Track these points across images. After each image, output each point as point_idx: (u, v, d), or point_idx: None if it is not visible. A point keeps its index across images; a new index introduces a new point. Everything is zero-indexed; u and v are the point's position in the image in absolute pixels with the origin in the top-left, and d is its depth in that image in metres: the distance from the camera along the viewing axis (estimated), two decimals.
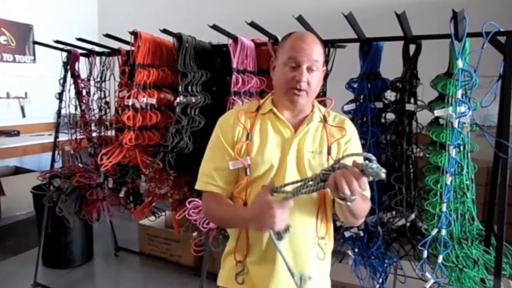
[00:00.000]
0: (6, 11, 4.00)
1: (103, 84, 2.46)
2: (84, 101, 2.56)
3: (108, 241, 3.14)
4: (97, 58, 2.45)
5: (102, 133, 2.50)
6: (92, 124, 2.56)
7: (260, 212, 0.92)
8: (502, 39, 1.43)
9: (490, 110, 1.53)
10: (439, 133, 1.52)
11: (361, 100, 1.73)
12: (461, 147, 1.50)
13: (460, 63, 1.44)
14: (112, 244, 3.12)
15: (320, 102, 1.21)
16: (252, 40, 1.96)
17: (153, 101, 1.96)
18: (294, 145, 1.07)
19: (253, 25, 1.79)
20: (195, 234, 2.13)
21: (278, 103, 1.12)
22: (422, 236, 1.58)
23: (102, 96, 2.47)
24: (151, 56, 1.98)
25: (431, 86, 1.58)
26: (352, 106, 1.75)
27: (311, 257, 1.09)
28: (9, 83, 4.06)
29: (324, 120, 1.12)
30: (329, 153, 1.08)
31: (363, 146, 1.66)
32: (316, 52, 1.04)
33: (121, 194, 2.40)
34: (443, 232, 1.51)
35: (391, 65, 1.75)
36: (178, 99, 1.91)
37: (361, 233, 1.73)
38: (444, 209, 1.50)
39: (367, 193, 1.10)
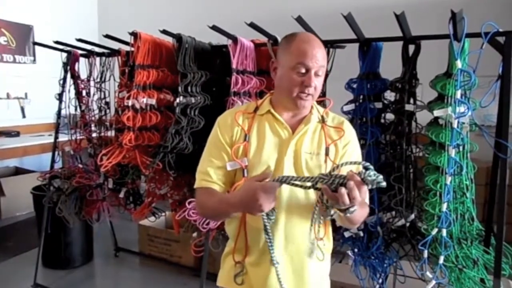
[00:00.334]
0: (6, 12, 4.01)
1: (103, 85, 2.46)
2: (84, 101, 2.56)
3: (108, 241, 3.14)
4: (97, 59, 2.46)
5: (102, 134, 2.50)
6: (92, 125, 2.56)
7: (246, 196, 0.93)
8: (501, 39, 1.43)
9: (490, 110, 1.53)
10: (439, 133, 1.52)
11: (361, 101, 1.73)
12: (461, 147, 1.50)
13: (459, 64, 1.44)
14: (112, 244, 3.12)
15: (319, 103, 1.21)
16: (252, 41, 1.96)
17: (153, 101, 1.96)
18: (291, 146, 1.07)
19: (252, 25, 1.80)
20: (195, 234, 2.13)
21: (277, 104, 1.12)
22: (421, 236, 1.58)
23: (102, 96, 2.47)
24: (151, 57, 1.98)
25: (430, 86, 1.58)
26: (351, 107, 1.75)
27: (310, 259, 1.09)
28: (9, 83, 4.07)
29: (323, 121, 1.12)
30: (327, 154, 1.07)
31: (363, 146, 1.66)
32: (323, 57, 1.05)
33: (121, 195, 2.40)
34: (443, 232, 1.51)
35: (390, 66, 1.75)
36: (177, 100, 1.91)
37: (361, 233, 1.73)
38: (443, 209, 1.50)
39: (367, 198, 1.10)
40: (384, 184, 0.86)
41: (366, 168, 0.88)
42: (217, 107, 1.91)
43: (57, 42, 2.40)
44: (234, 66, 1.87)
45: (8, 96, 4.09)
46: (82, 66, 2.56)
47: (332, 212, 0.98)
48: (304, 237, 1.07)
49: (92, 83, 2.50)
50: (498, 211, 1.48)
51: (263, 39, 1.91)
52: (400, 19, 1.48)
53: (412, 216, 1.67)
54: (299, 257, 1.08)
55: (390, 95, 1.75)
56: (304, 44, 1.04)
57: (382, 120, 1.77)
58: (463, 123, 1.49)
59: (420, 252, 1.57)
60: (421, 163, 1.67)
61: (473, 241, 1.55)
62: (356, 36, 1.68)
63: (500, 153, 1.47)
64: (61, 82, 2.47)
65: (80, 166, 2.56)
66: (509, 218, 1.70)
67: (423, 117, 1.67)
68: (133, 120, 1.94)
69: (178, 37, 1.92)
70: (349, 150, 1.11)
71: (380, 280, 1.75)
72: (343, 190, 0.86)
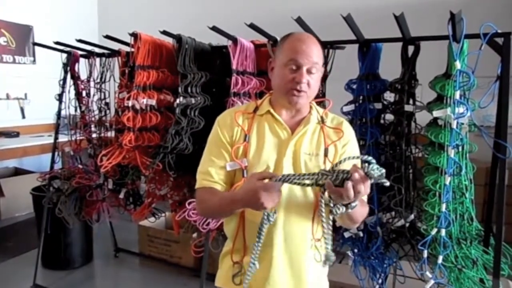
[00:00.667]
0: (6, 12, 4.01)
1: (103, 85, 2.47)
2: (84, 102, 2.56)
3: (108, 242, 3.14)
4: (97, 60, 2.46)
5: (102, 134, 2.51)
6: (92, 125, 2.56)
7: (247, 195, 0.93)
8: (500, 40, 1.44)
9: (489, 110, 1.53)
10: (438, 133, 1.52)
11: (360, 101, 1.74)
12: (460, 148, 1.51)
13: (458, 65, 1.44)
14: (112, 245, 3.12)
15: (318, 103, 1.21)
16: (252, 42, 1.97)
17: (153, 102, 1.97)
18: (290, 147, 1.07)
19: (252, 26, 1.80)
20: (195, 235, 2.14)
21: (276, 104, 1.12)
22: (421, 237, 1.58)
23: (102, 97, 2.48)
24: (151, 58, 1.99)
25: (429, 87, 1.59)
26: (351, 107, 1.76)
27: (308, 260, 1.09)
28: (9, 84, 4.06)
29: (322, 121, 1.12)
30: (326, 155, 1.08)
31: (363, 147, 1.67)
32: (316, 54, 1.04)
33: (121, 195, 2.40)
34: (443, 232, 1.51)
35: (390, 66, 1.75)
36: (178, 100, 1.92)
37: (361, 234, 1.74)
38: (443, 209, 1.51)
39: (365, 197, 1.10)
40: (386, 182, 0.85)
41: (368, 162, 0.87)
42: (217, 107, 1.92)
43: (57, 43, 2.40)
44: (234, 66, 1.87)
45: (7, 97, 4.09)
46: (82, 67, 2.56)
47: (335, 211, 0.95)
48: (303, 237, 1.07)
49: (92, 83, 2.50)
50: (497, 211, 1.49)
51: (263, 40, 1.92)
52: (400, 20, 1.48)
53: (412, 217, 1.68)
54: (297, 257, 1.08)
55: (389, 96, 1.75)
56: (296, 41, 1.04)
57: (382, 121, 1.77)
58: (462, 123, 1.50)
59: (419, 252, 1.58)
60: (421, 163, 1.68)
61: (473, 241, 1.55)
62: (356, 37, 1.68)
63: (499, 154, 1.47)
64: (61, 82, 2.47)
65: (80, 166, 2.56)
66: (508, 218, 1.70)
67: (422, 118, 1.67)
68: (133, 121, 1.94)
69: (178, 38, 1.92)
70: (348, 150, 1.11)
71: (380, 281, 1.75)
72: (349, 184, 0.85)
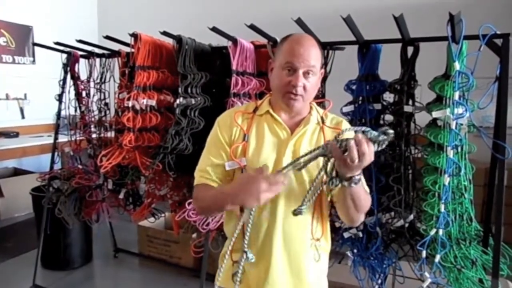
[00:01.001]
0: (5, 12, 4.01)
1: (103, 86, 2.47)
2: (83, 102, 2.56)
3: (107, 242, 3.14)
4: (97, 60, 2.46)
5: (102, 135, 2.51)
6: (92, 126, 2.56)
7: (246, 184, 0.92)
8: (499, 41, 1.45)
9: (488, 111, 1.54)
10: (437, 134, 1.53)
11: (360, 102, 1.74)
12: (459, 148, 1.51)
13: (457, 65, 1.45)
14: (112, 245, 3.12)
15: (318, 104, 1.21)
16: (252, 42, 1.97)
17: (153, 102, 1.97)
18: (290, 147, 1.07)
19: (252, 27, 1.81)
20: (194, 235, 2.14)
21: (275, 105, 1.12)
22: (420, 237, 1.59)
23: (102, 97, 2.48)
24: (151, 58, 1.99)
25: (429, 87, 1.59)
26: (350, 108, 1.76)
27: (307, 259, 1.09)
28: (9, 84, 4.06)
29: (322, 122, 1.12)
30: None
31: None
32: (314, 56, 1.04)
33: (121, 196, 2.40)
34: (440, 232, 1.51)
35: (389, 67, 1.76)
36: (178, 101, 1.92)
37: (360, 234, 1.74)
38: (442, 209, 1.51)
39: (367, 188, 1.11)
40: (390, 132, 0.85)
41: (367, 132, 0.87)
42: (217, 108, 1.92)
43: (57, 43, 2.40)
44: (234, 67, 1.87)
45: (7, 97, 4.09)
46: (82, 67, 2.57)
47: (334, 183, 0.94)
48: (302, 236, 1.08)
49: (92, 84, 2.50)
50: (496, 211, 1.50)
51: (263, 40, 1.92)
52: (399, 21, 1.49)
53: (411, 217, 1.68)
54: (297, 257, 1.08)
55: (389, 97, 1.76)
56: (294, 44, 1.04)
57: (381, 121, 1.78)
58: (461, 124, 1.50)
59: (419, 252, 1.58)
60: (420, 164, 1.68)
61: (472, 241, 1.56)
62: (355, 38, 1.69)
63: (498, 154, 1.48)
64: (61, 83, 2.47)
65: (80, 167, 2.56)
66: (507, 218, 1.70)
67: (421, 118, 1.68)
68: (133, 121, 1.95)
69: (178, 39, 1.93)
70: None
71: (379, 281, 1.76)
72: (352, 143, 0.85)
